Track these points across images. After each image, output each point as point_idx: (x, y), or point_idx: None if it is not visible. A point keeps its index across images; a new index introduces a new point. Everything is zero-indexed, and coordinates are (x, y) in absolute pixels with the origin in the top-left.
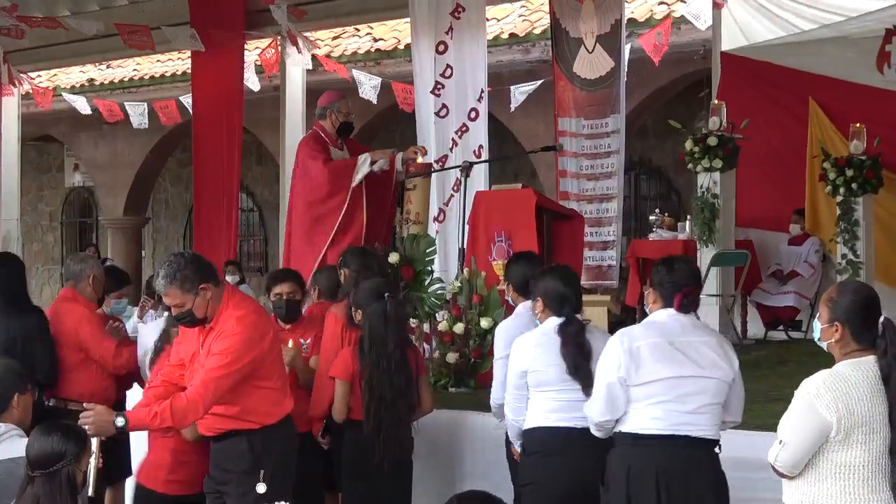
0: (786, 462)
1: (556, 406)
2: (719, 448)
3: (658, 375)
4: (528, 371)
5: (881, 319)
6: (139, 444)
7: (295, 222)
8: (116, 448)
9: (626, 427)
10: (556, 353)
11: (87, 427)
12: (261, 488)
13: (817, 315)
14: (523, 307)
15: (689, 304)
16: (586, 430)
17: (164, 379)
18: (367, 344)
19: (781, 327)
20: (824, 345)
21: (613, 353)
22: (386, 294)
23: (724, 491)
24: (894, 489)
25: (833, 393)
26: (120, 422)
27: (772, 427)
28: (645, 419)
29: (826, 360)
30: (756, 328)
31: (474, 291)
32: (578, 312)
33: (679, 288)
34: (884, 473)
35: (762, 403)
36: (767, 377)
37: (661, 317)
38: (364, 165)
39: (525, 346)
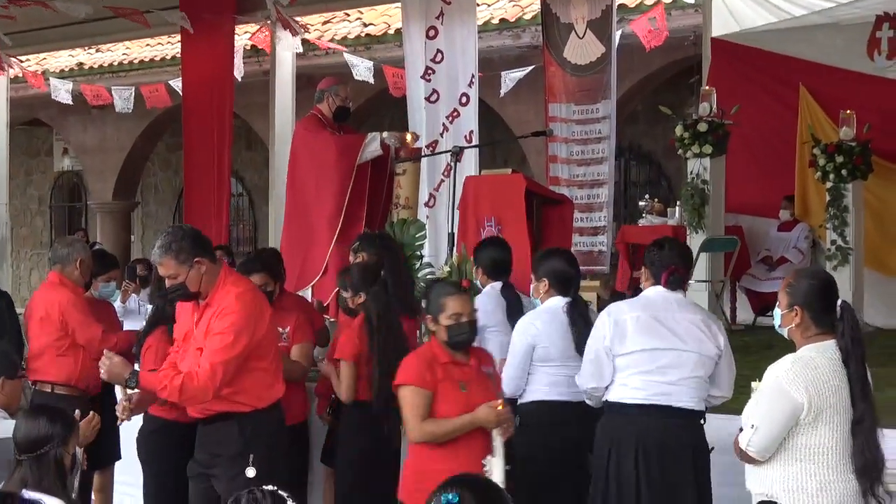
0: (759, 446)
1: (554, 381)
2: (704, 420)
3: (639, 346)
4: (536, 346)
5: (839, 303)
6: (126, 432)
7: (298, 204)
8: (106, 433)
9: (611, 396)
10: (563, 330)
11: (101, 371)
12: (250, 472)
13: (777, 304)
14: (490, 288)
15: (675, 282)
16: (580, 404)
17: (172, 361)
18: (375, 324)
19: (770, 313)
20: (784, 331)
21: (601, 325)
22: (381, 272)
23: (702, 460)
24: (857, 471)
25: (802, 376)
26: (132, 383)
27: None
28: (627, 389)
29: None
30: (745, 314)
31: (464, 276)
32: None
33: (666, 266)
34: (848, 455)
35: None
36: (756, 362)
37: (650, 293)
38: (373, 142)
39: (533, 323)
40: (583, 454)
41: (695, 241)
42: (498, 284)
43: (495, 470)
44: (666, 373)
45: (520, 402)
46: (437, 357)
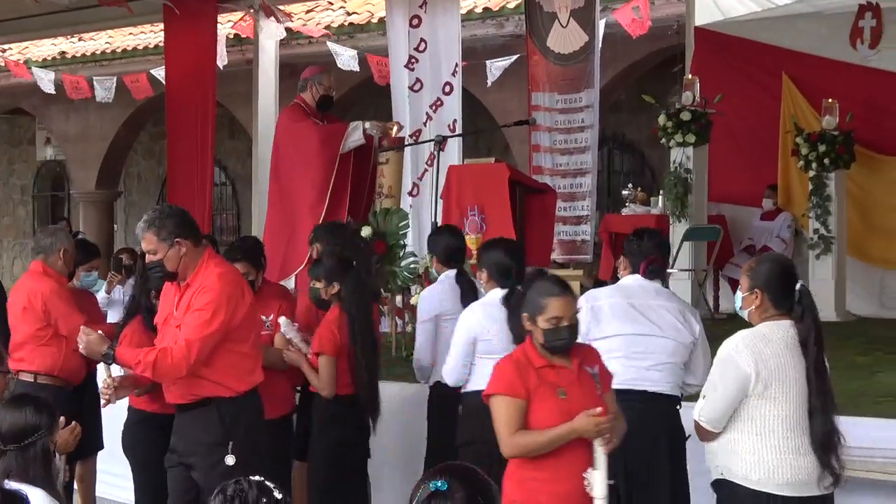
0: (710, 416)
1: None
2: (679, 406)
3: (616, 331)
4: (477, 338)
5: (798, 286)
6: (110, 421)
7: (281, 193)
8: (88, 423)
9: None
10: (502, 322)
11: (79, 345)
12: (230, 460)
13: (739, 286)
14: (445, 276)
15: (653, 272)
16: None
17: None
18: (354, 315)
19: None
20: (745, 313)
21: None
22: (354, 262)
23: (678, 444)
24: (815, 447)
25: (750, 348)
26: (109, 358)
27: None
28: None
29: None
30: (728, 303)
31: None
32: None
33: (645, 256)
34: (803, 431)
35: None
36: None
37: (628, 281)
38: (356, 132)
39: (474, 315)
40: None
41: (678, 230)
42: (452, 272)
43: (597, 484)
44: (642, 358)
45: (463, 391)
46: (531, 361)
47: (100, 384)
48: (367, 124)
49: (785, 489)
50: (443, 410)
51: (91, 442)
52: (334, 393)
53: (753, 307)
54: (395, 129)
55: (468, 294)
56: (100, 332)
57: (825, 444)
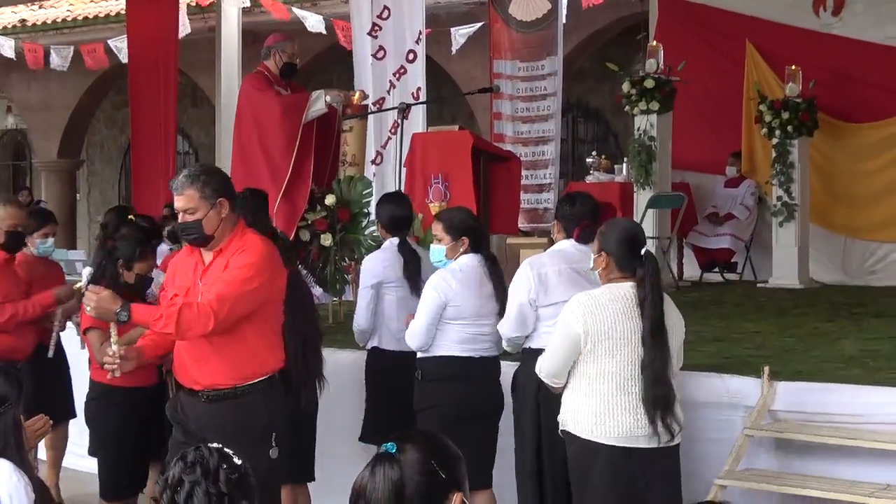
0: (546, 371)
1: (464, 337)
2: None
3: (563, 297)
4: (448, 304)
5: (643, 251)
6: (79, 386)
7: (245, 162)
8: (59, 389)
9: (535, 344)
10: (476, 288)
11: (88, 308)
12: (274, 453)
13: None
14: (389, 243)
15: (587, 236)
16: (484, 360)
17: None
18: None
19: (717, 269)
20: (596, 274)
21: (524, 278)
22: (278, 232)
23: None
24: (645, 402)
25: (582, 309)
26: (123, 315)
27: (708, 367)
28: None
29: (764, 301)
30: (692, 270)
31: (411, 233)
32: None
33: (579, 221)
34: (633, 388)
35: (699, 344)
36: (704, 318)
37: (565, 246)
38: (318, 101)
39: (444, 281)
40: (484, 405)
41: (642, 197)
42: (396, 240)
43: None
44: None
45: (421, 356)
46: None
47: (94, 353)
48: (329, 96)
49: (614, 441)
50: (378, 375)
51: (61, 409)
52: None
53: (601, 269)
54: (356, 96)
55: (411, 263)
56: (111, 291)
57: (655, 401)
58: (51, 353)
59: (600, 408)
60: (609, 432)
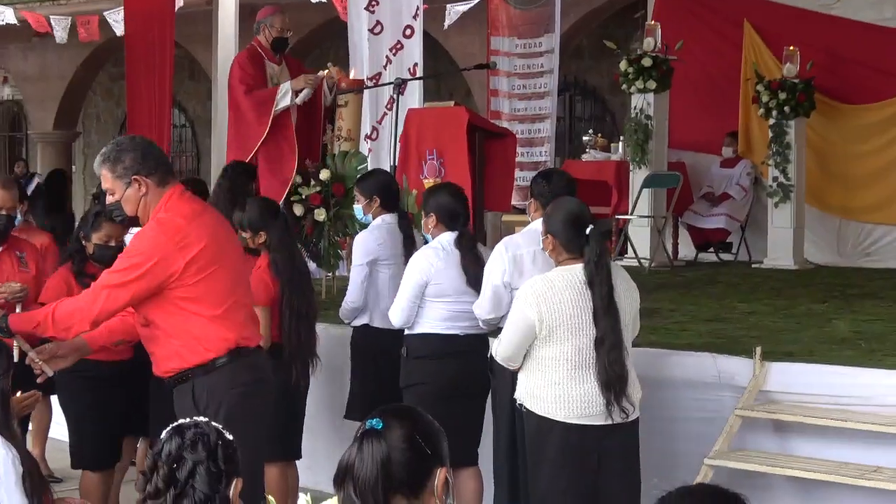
0: (503, 355)
1: (447, 315)
2: None
3: None
4: (430, 282)
5: (588, 230)
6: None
7: (231, 143)
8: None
9: None
10: (457, 265)
11: None
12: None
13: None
14: (381, 220)
15: None
16: (469, 337)
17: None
18: (282, 263)
19: (712, 249)
20: (547, 255)
21: (499, 260)
22: (280, 207)
23: None
24: (600, 385)
25: (536, 295)
26: (2, 331)
27: (701, 347)
28: None
29: (758, 281)
30: (687, 250)
31: (405, 209)
32: (467, 226)
33: (555, 198)
34: (587, 368)
35: (692, 324)
36: (698, 298)
37: (540, 224)
38: (284, 98)
39: (426, 259)
40: (469, 383)
41: (638, 176)
42: (388, 216)
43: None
44: None
45: (407, 332)
46: None
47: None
48: (298, 98)
49: (569, 418)
50: (367, 353)
51: (45, 381)
52: (270, 343)
53: (549, 250)
54: (326, 72)
55: (411, 239)
56: None
57: (609, 379)
58: None
59: (556, 387)
60: (564, 410)
